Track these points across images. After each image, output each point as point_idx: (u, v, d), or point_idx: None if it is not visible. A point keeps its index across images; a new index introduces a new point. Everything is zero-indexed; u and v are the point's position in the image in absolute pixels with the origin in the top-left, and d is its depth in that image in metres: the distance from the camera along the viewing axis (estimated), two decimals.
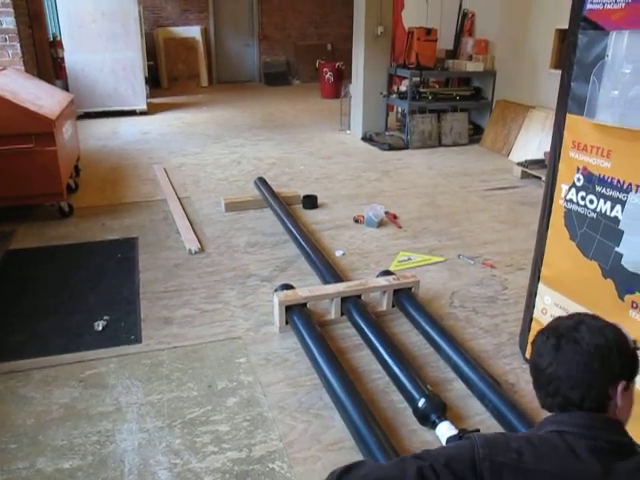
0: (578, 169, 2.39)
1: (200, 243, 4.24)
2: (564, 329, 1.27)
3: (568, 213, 2.48)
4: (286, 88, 14.03)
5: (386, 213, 4.78)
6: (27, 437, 2.33)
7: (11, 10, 5.52)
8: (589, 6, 2.19)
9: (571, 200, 2.45)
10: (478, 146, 7.56)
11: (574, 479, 1.14)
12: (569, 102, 2.38)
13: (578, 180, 2.40)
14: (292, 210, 4.75)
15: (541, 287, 2.71)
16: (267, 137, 8.10)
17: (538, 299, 2.74)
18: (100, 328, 3.12)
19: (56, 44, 9.31)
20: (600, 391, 1.23)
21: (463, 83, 8.15)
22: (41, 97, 4.93)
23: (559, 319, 1.33)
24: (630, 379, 1.26)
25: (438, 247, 4.26)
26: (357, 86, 8.01)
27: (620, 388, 1.23)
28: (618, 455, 1.17)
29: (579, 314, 1.32)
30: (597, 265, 2.34)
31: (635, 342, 1.29)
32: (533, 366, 1.30)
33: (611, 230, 2.27)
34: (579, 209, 2.41)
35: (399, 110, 8.61)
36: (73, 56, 9.16)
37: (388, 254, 4.12)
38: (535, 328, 2.76)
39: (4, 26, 5.55)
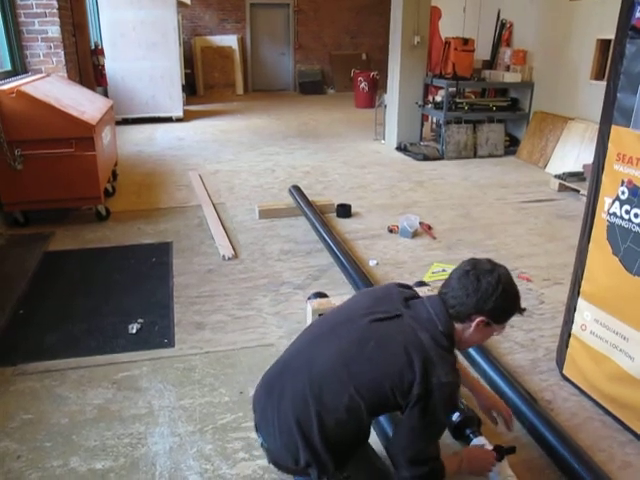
0: (622, 182, 2.32)
1: (234, 249, 4.26)
2: (480, 269, 1.73)
3: (611, 227, 2.41)
4: (321, 97, 14.11)
5: (420, 224, 4.74)
6: (61, 436, 2.36)
7: (57, 20, 5.66)
8: (638, 15, 2.14)
9: (614, 214, 2.38)
10: (514, 158, 7.47)
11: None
12: (614, 113, 2.32)
13: (622, 193, 2.33)
14: (326, 219, 4.74)
15: (581, 302, 2.64)
16: (301, 145, 8.14)
17: (577, 315, 2.67)
18: (134, 331, 3.15)
19: (98, 52, 9.50)
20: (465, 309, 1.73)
21: (500, 94, 8.06)
22: (82, 103, 5.03)
23: (482, 259, 1.80)
24: (493, 321, 1.75)
25: None
26: (392, 96, 8.00)
27: (479, 319, 1.72)
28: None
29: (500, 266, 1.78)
30: None
31: (524, 309, 1.81)
32: (451, 275, 1.81)
33: None
34: (623, 223, 2.34)
35: (434, 120, 8.57)
36: (114, 64, 9.38)
37: (422, 265, 4.08)
38: (574, 344, 2.69)
39: (49, 35, 5.69)
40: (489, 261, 1.78)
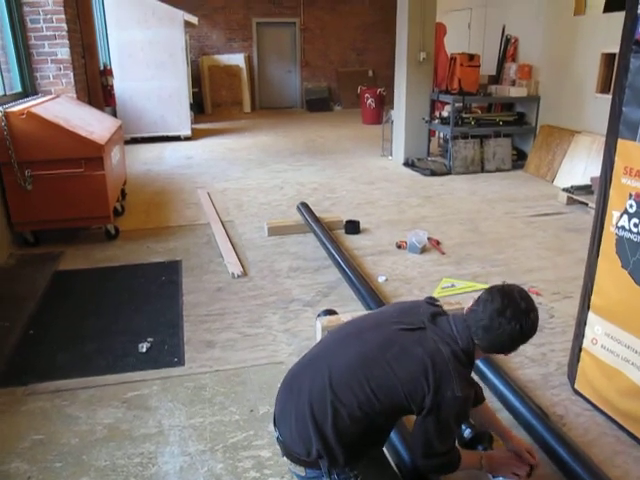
0: (630, 195, 2.32)
1: (243, 267, 4.27)
2: (517, 311, 1.71)
3: (620, 240, 2.41)
4: (328, 114, 14.19)
5: (429, 239, 4.74)
6: (72, 456, 2.36)
7: (66, 42, 5.75)
8: None
9: (623, 227, 2.38)
10: (522, 172, 7.47)
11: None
12: (620, 127, 2.32)
13: (630, 207, 2.33)
14: (334, 235, 4.75)
15: (591, 316, 2.62)
16: (309, 162, 8.18)
17: (588, 329, 2.65)
18: (144, 350, 3.16)
19: (106, 72, 9.63)
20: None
21: (506, 108, 8.08)
22: (91, 123, 5.09)
23: (516, 295, 1.76)
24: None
25: (482, 274, 4.18)
26: (399, 112, 8.04)
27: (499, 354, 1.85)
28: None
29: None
30: None
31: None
32: (481, 299, 1.81)
33: None
34: (632, 236, 2.34)
35: (441, 136, 8.58)
36: (122, 84, 9.50)
37: (431, 280, 4.07)
38: (585, 359, 2.67)
39: (59, 56, 5.79)
40: (523, 298, 1.76)
